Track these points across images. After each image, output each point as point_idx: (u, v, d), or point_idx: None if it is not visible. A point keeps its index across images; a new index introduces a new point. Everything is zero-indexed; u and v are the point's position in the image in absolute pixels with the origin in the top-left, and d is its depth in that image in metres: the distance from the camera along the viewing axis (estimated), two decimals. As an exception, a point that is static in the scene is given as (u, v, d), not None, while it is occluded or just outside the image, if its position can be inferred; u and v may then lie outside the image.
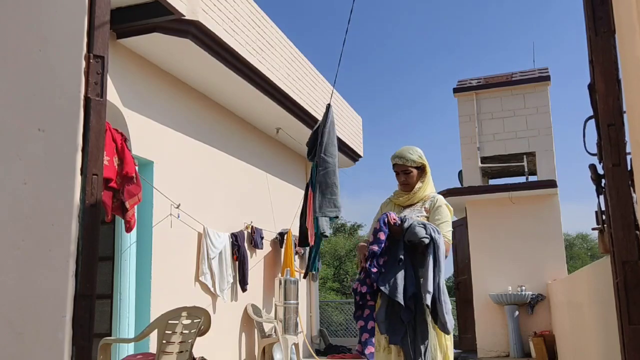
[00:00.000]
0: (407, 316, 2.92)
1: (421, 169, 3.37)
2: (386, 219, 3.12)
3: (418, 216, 3.22)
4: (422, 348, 2.83)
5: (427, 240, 3.01)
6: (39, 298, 1.46)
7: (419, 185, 3.34)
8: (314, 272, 6.97)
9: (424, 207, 3.29)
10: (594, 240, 30.28)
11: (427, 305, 2.87)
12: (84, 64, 1.66)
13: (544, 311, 9.55)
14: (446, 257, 3.12)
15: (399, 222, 3.12)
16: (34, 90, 1.50)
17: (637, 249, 1.40)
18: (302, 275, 9.95)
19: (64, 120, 1.58)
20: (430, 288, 2.88)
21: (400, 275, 2.98)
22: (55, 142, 1.54)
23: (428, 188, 3.37)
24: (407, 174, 3.33)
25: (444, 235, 3.16)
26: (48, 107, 1.53)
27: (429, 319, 2.94)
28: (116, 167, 3.44)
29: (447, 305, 2.96)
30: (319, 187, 3.49)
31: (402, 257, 3.02)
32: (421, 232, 3.03)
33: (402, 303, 2.91)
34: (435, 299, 2.89)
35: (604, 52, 1.47)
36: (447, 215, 3.29)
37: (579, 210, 47.29)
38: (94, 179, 1.68)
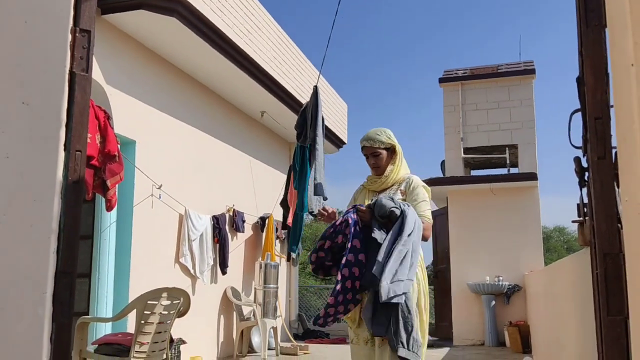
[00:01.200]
0: (386, 306, 2.78)
1: (391, 150, 3.24)
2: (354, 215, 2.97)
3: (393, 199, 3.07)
4: (405, 336, 2.74)
5: (398, 211, 2.87)
6: (20, 274, 1.44)
7: (390, 167, 3.22)
8: (292, 254, 6.98)
9: (400, 190, 3.17)
10: (570, 233, 30.77)
11: (380, 296, 2.68)
12: (69, 37, 1.63)
13: (519, 301, 9.70)
14: (427, 238, 3.01)
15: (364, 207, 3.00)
16: (18, 63, 1.47)
17: (618, 241, 1.43)
18: (286, 258, 9.99)
19: (48, 94, 1.55)
20: (381, 257, 2.74)
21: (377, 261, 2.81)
22: (39, 117, 1.51)
23: (402, 170, 3.24)
24: (377, 156, 3.21)
25: (423, 215, 3.03)
26: (33, 80, 1.50)
27: (410, 303, 2.82)
28: (98, 144, 3.39)
29: (416, 265, 2.82)
30: (315, 164, 3.47)
31: (384, 238, 2.86)
32: (389, 203, 2.91)
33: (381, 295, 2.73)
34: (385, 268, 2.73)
35: (594, 45, 1.48)
36: (424, 194, 3.15)
37: (556, 203, 47.95)
38: (77, 156, 1.65)
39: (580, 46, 1.53)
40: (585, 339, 2.51)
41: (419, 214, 3.00)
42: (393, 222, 2.89)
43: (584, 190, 1.79)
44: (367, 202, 3.12)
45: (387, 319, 2.77)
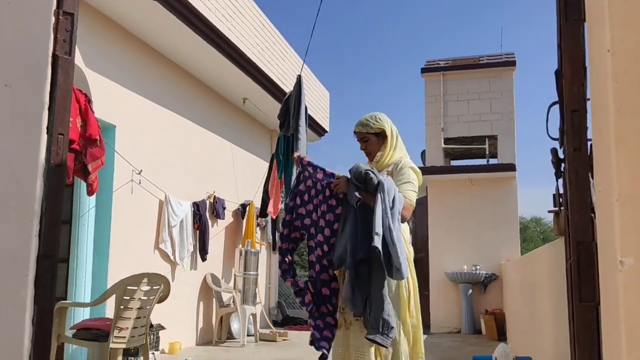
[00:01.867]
0: (360, 284, 2.72)
1: (381, 136, 3.13)
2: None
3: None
4: (379, 320, 2.65)
5: (374, 177, 2.77)
6: (2, 256, 1.44)
7: (380, 153, 3.11)
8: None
9: (387, 171, 3.06)
10: (547, 224, 31.26)
11: (377, 249, 2.60)
12: (53, 20, 1.61)
13: (496, 290, 9.86)
14: (405, 218, 2.87)
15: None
16: (1, 45, 1.46)
17: (591, 230, 1.47)
18: (269, 245, 10.01)
19: (31, 76, 1.54)
20: (378, 229, 2.63)
21: (350, 237, 2.73)
22: (21, 99, 1.51)
23: (394, 154, 3.12)
24: (366, 142, 3.14)
25: (405, 195, 2.89)
26: (15, 62, 1.49)
27: (386, 290, 2.72)
28: (79, 128, 3.36)
29: (401, 250, 2.68)
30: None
31: (359, 198, 2.75)
32: (365, 165, 2.83)
33: (351, 270, 2.70)
34: (388, 242, 2.64)
35: (572, 39, 1.52)
36: (410, 176, 3.01)
37: (534, 194, 48.63)
38: (60, 139, 1.65)
39: (560, 40, 1.56)
40: (560, 325, 2.58)
41: (403, 195, 2.89)
42: (370, 189, 2.78)
43: (560, 181, 1.84)
44: None
45: (362, 299, 2.71)
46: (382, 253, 2.62)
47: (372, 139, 3.13)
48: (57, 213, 1.63)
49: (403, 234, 2.92)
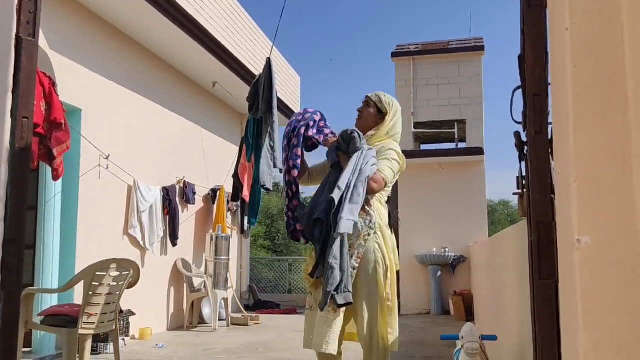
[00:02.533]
0: (318, 233, 2.76)
1: (382, 115, 3.15)
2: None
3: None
4: (329, 288, 2.65)
5: (358, 140, 2.84)
6: (-34, 242, 1.42)
7: (372, 132, 3.12)
8: (250, 225, 6.99)
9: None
10: (514, 207, 31.90)
11: (333, 200, 2.64)
12: (16, 1, 1.58)
13: (464, 272, 10.06)
14: (372, 190, 2.86)
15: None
16: (-40, 25, 1.43)
17: (551, 210, 1.52)
18: (239, 230, 10.00)
19: (-7, 59, 1.51)
20: (342, 184, 2.69)
21: (324, 200, 2.78)
22: (-17, 82, 1.48)
23: (385, 138, 3.12)
24: (366, 107, 3.18)
25: (380, 168, 2.90)
26: (-24, 44, 1.46)
27: (337, 253, 2.70)
28: (43, 112, 3.29)
29: (351, 211, 2.68)
30: (269, 140, 3.42)
31: (336, 159, 2.88)
32: (355, 130, 2.91)
33: (308, 228, 2.77)
34: (342, 198, 2.68)
35: (535, 25, 1.55)
36: (392, 155, 3.01)
37: (502, 177, 49.47)
38: (25, 123, 1.62)
39: (523, 25, 1.60)
40: (523, 304, 2.66)
41: (378, 169, 2.91)
42: (350, 151, 2.86)
43: (523, 163, 1.89)
44: None
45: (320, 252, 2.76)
46: (334, 207, 2.67)
47: (372, 111, 3.17)
48: (23, 198, 1.61)
49: (381, 218, 2.96)
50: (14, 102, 1.60)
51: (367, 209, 2.91)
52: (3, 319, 1.54)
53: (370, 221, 2.91)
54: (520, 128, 1.91)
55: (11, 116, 1.57)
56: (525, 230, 2.19)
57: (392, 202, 11.07)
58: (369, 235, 2.89)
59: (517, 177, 1.92)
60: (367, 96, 3.23)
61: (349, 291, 2.71)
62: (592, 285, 1.20)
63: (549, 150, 1.54)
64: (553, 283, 1.48)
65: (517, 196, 3.22)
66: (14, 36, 1.59)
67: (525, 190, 1.86)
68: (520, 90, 1.82)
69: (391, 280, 2.95)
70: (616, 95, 1.24)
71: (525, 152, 1.78)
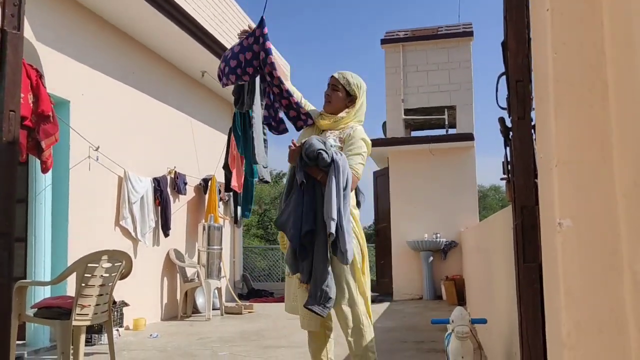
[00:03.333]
0: (303, 255, 2.76)
1: (351, 98, 3.11)
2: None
3: (331, 144, 2.95)
4: (318, 290, 2.69)
5: (327, 156, 2.77)
6: (-45, 235, 1.42)
7: (342, 114, 3.08)
8: (244, 218, 7.00)
9: (339, 137, 3.04)
10: (505, 192, 32.08)
11: (331, 233, 2.65)
12: (-2, -7, 1.58)
13: (456, 257, 10.14)
14: (351, 190, 2.89)
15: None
16: (-57, 19, 1.42)
17: (534, 195, 1.55)
18: (232, 220, 10.01)
19: (-23, 52, 1.51)
20: (334, 214, 2.66)
21: (296, 208, 2.77)
22: (-32, 76, 1.48)
23: (350, 121, 3.10)
24: (334, 91, 3.11)
25: (352, 167, 2.90)
26: (-40, 37, 1.46)
27: (327, 262, 2.74)
28: (31, 104, 3.27)
29: (349, 236, 2.73)
30: (254, 134, 3.43)
31: (303, 180, 2.79)
32: (318, 144, 2.80)
33: (295, 241, 2.74)
34: (338, 227, 2.68)
35: (517, 11, 1.57)
36: (361, 147, 3.00)
37: (493, 162, 49.71)
38: (11, 116, 1.62)
39: (505, 12, 1.61)
40: (510, 286, 2.70)
41: (350, 165, 2.90)
42: (320, 166, 2.80)
43: (509, 149, 1.91)
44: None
45: (308, 268, 2.76)
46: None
47: (341, 94, 3.11)
48: (12, 191, 1.61)
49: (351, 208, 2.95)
50: (0, 96, 1.60)
51: None
52: (-5, 311, 1.55)
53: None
54: (505, 114, 1.94)
55: (-2, 110, 1.58)
56: (512, 215, 2.22)
57: (384, 190, 11.13)
58: None
59: (503, 163, 1.95)
60: (333, 77, 3.14)
61: (327, 306, 2.72)
62: (573, 267, 1.22)
63: (532, 135, 1.56)
64: (536, 266, 1.51)
65: (504, 181, 3.25)
66: (-2, 29, 1.59)
67: (510, 175, 1.88)
68: (504, 77, 1.84)
69: (365, 259, 2.97)
70: (596, 82, 1.26)
71: (510, 137, 1.80)
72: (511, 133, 1.78)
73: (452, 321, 3.26)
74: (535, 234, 1.52)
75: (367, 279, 2.97)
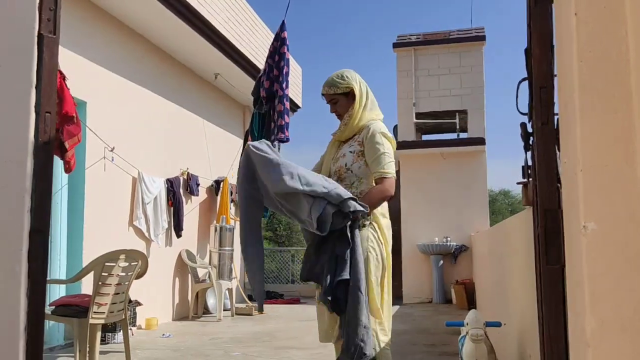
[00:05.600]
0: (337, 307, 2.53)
1: (350, 95, 2.82)
2: None
3: (351, 152, 2.77)
4: (351, 346, 2.45)
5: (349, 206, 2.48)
6: (-4, 232, 1.48)
7: (347, 116, 2.82)
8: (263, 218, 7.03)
9: (358, 141, 2.79)
10: (514, 197, 31.96)
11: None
12: (37, -1, 1.64)
13: (466, 261, 10.13)
14: (389, 195, 2.69)
15: None
16: (-12, 24, 1.48)
17: (557, 199, 1.58)
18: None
19: (18, 56, 1.56)
20: (362, 276, 2.50)
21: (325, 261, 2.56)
22: (10, 78, 1.53)
23: (365, 115, 2.81)
24: (335, 104, 2.85)
25: (386, 171, 2.67)
26: (3, 42, 1.51)
27: (361, 310, 2.48)
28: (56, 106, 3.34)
29: (321, 204, 2.45)
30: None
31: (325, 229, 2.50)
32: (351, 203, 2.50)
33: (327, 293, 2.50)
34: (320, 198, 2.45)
35: (541, 19, 1.60)
36: (384, 145, 2.72)
37: (502, 167, 49.59)
38: (47, 117, 1.68)
39: (529, 20, 1.65)
40: (527, 290, 2.73)
41: (377, 171, 2.69)
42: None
43: (529, 153, 1.94)
44: (333, 154, 2.90)
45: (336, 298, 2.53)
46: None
47: (341, 100, 2.84)
48: (47, 190, 1.67)
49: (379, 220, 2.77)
50: (37, 97, 1.65)
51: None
52: (30, 307, 1.60)
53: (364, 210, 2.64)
54: (525, 119, 1.97)
55: (35, 111, 1.63)
56: (530, 219, 2.25)
57: (395, 193, 11.13)
58: (363, 225, 2.69)
59: (523, 167, 1.98)
60: (323, 95, 2.91)
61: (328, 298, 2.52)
62: (597, 268, 1.26)
63: (556, 140, 1.59)
64: (559, 268, 1.54)
65: (520, 185, 3.27)
66: (36, 33, 1.64)
67: (531, 179, 1.92)
68: (525, 82, 1.87)
69: (388, 272, 2.78)
70: (620, 88, 1.30)
71: (530, 142, 1.83)
72: (532, 138, 1.81)
73: (467, 324, 3.28)
74: (558, 237, 1.55)
75: (387, 295, 2.74)
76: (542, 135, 1.61)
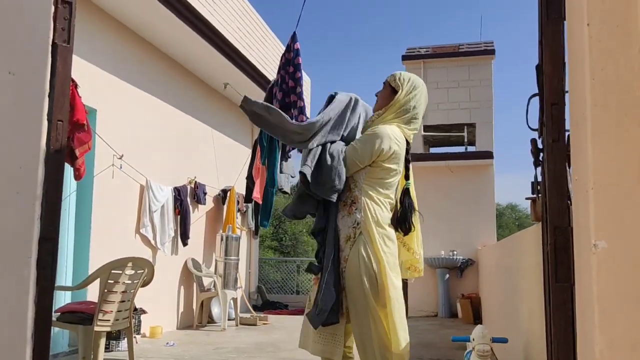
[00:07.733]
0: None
1: (393, 92, 2.83)
2: None
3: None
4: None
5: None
6: (6, 239, 1.48)
7: (379, 112, 2.83)
8: (262, 227, 7.08)
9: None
10: (522, 211, 31.84)
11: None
12: (52, 8, 1.65)
13: (472, 275, 10.08)
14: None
15: None
16: (4, 33, 1.49)
17: (567, 216, 1.57)
18: (251, 231, 10.09)
19: (33, 65, 1.57)
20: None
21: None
22: (24, 87, 1.54)
23: (389, 118, 2.82)
24: (381, 90, 2.91)
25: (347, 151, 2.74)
26: (18, 50, 1.52)
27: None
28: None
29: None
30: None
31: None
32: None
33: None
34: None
35: (553, 36, 1.60)
36: (366, 139, 2.73)
37: (509, 181, 49.46)
38: (59, 125, 1.69)
39: (541, 36, 1.65)
40: (535, 306, 2.70)
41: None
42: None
43: (539, 169, 1.94)
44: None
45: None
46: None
47: (384, 91, 2.88)
48: (57, 197, 1.68)
49: (373, 215, 2.69)
50: (50, 106, 1.66)
51: (352, 208, 2.69)
52: (37, 313, 1.60)
53: (355, 222, 2.65)
54: (535, 135, 1.97)
55: (47, 119, 1.64)
56: (538, 235, 2.24)
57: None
58: (353, 237, 2.64)
59: (532, 183, 1.97)
60: (387, 80, 2.94)
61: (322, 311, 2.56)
62: (607, 287, 1.25)
63: (566, 157, 1.59)
64: (569, 286, 1.53)
65: (528, 201, 3.26)
66: (50, 42, 1.66)
67: (540, 195, 1.91)
68: (536, 98, 1.87)
69: (384, 287, 2.59)
70: (632, 106, 1.29)
71: (540, 158, 1.82)
72: (542, 154, 1.80)
73: (473, 339, 3.26)
74: (567, 254, 1.54)
75: (396, 315, 2.61)
76: (553, 152, 1.61)
